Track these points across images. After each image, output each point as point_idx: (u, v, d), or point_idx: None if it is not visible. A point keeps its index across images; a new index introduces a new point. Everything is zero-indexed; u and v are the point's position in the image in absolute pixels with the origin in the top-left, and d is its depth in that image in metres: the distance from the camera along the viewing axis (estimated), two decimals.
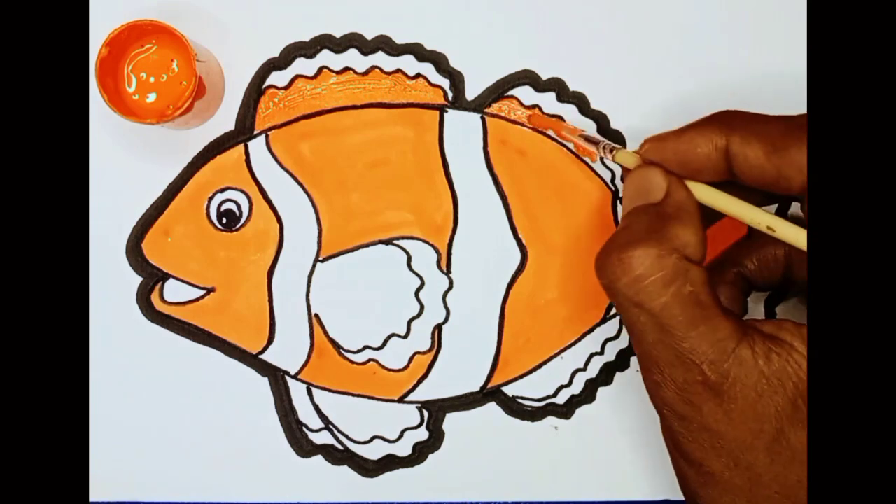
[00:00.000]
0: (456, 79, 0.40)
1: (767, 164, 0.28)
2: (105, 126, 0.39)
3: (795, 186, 0.28)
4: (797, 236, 0.28)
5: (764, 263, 0.34)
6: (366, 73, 0.39)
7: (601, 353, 0.40)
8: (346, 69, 0.39)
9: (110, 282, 0.39)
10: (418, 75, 0.40)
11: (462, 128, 0.40)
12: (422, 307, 0.40)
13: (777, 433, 0.27)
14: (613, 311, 0.40)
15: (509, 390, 0.40)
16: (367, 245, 0.39)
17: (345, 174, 0.39)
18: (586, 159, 0.40)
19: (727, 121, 0.30)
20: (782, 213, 0.38)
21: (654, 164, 0.30)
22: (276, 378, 0.40)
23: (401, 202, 0.39)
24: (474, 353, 0.40)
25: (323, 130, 0.39)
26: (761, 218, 0.29)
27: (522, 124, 0.40)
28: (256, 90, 0.40)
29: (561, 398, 0.40)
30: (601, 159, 0.39)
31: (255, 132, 0.40)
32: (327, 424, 0.40)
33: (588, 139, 0.35)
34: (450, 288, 0.40)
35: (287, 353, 0.40)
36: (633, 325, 0.29)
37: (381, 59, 0.39)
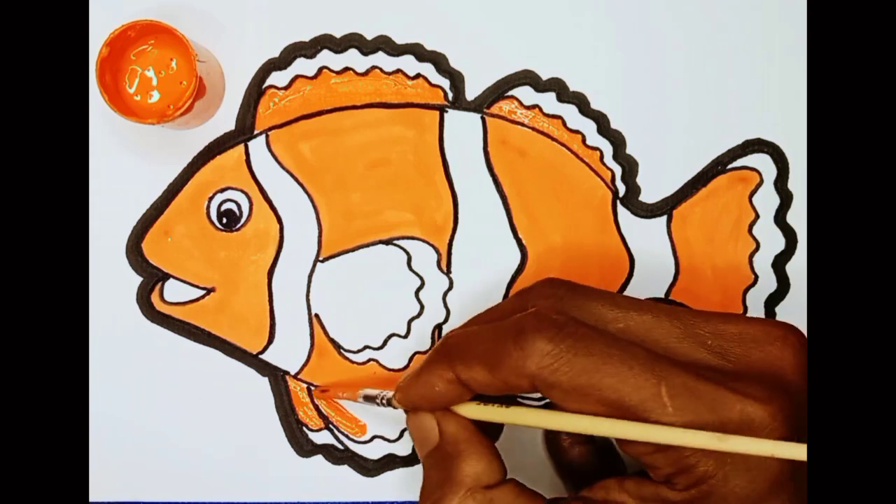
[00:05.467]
0: (456, 79, 0.40)
1: (494, 380, 0.28)
2: (105, 126, 0.39)
3: (525, 387, 0.28)
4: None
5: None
6: (366, 73, 0.39)
7: None
8: (346, 69, 0.39)
9: (110, 282, 0.39)
10: (418, 75, 0.40)
11: (462, 128, 0.40)
12: (422, 307, 0.40)
13: None
14: None
15: None
16: (368, 245, 0.40)
17: (345, 174, 0.39)
18: (586, 159, 0.40)
19: (446, 351, 0.30)
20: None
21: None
22: (276, 378, 0.40)
23: (401, 202, 0.39)
24: None
25: (323, 130, 0.39)
26: (522, 419, 0.30)
27: (523, 124, 0.40)
28: (256, 90, 0.40)
29: None
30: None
31: (256, 132, 0.40)
32: (327, 424, 0.40)
33: (366, 397, 0.36)
34: (450, 288, 0.40)
35: (287, 353, 0.40)
36: None
37: (381, 59, 0.39)
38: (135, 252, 0.39)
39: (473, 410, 0.30)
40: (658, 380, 0.26)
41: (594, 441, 0.35)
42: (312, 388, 0.39)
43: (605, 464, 0.34)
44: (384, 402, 0.34)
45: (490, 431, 0.31)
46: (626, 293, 0.40)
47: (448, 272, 0.40)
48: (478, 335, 0.29)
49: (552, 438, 0.35)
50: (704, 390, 0.26)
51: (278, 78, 0.39)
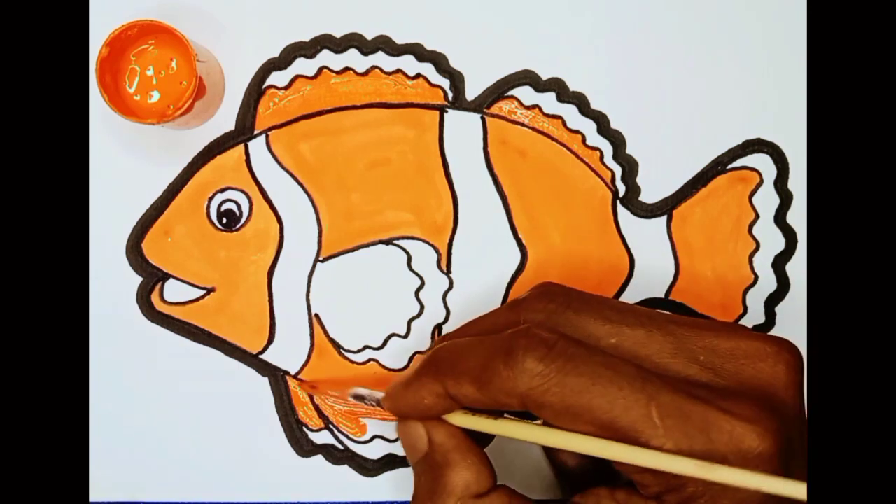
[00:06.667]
0: (456, 79, 0.40)
1: (483, 398, 0.28)
2: (105, 126, 0.39)
3: (515, 406, 0.28)
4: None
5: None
6: (366, 73, 0.39)
7: None
8: (346, 69, 0.39)
9: (110, 282, 0.39)
10: (418, 75, 0.40)
11: (462, 128, 0.40)
12: (422, 307, 0.40)
13: None
14: None
15: None
16: (368, 245, 0.40)
17: (345, 174, 0.39)
18: (586, 159, 0.40)
19: (436, 364, 0.30)
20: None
21: None
22: (276, 378, 0.40)
23: (401, 202, 0.39)
24: None
25: (323, 130, 0.39)
26: (511, 432, 0.29)
27: (523, 124, 0.40)
28: (256, 90, 0.40)
29: None
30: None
31: (256, 132, 0.40)
32: (327, 424, 0.40)
33: (356, 396, 0.35)
34: (450, 288, 0.40)
35: (287, 353, 0.40)
36: None
37: (381, 59, 0.39)
38: (135, 252, 0.39)
39: (463, 420, 0.30)
40: (648, 400, 0.26)
41: None
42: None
43: (602, 468, 0.34)
44: (374, 403, 0.34)
45: (480, 437, 0.31)
46: (625, 293, 0.40)
47: (448, 272, 0.40)
48: (468, 350, 0.29)
49: None
50: (695, 410, 0.26)
51: (278, 78, 0.39)
